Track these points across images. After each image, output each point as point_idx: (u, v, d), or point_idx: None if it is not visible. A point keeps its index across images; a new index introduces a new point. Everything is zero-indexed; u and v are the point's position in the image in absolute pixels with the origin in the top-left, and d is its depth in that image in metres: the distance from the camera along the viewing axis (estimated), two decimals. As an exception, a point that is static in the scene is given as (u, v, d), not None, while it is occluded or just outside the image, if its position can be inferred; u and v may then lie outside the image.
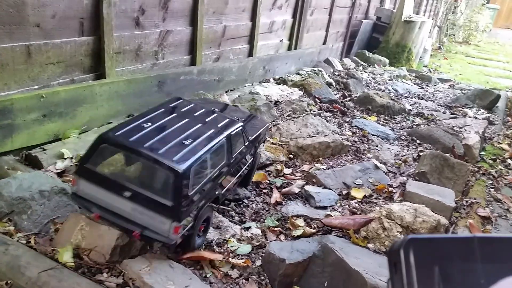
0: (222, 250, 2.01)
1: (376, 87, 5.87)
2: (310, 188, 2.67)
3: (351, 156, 3.34)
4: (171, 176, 1.64)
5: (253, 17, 4.64)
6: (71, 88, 2.68)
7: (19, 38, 2.40)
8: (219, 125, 2.08)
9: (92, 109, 2.84)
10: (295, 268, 1.88)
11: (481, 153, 3.79)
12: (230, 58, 4.50)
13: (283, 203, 2.54)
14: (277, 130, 3.43)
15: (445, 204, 2.52)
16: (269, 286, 1.87)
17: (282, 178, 2.83)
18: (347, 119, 4.17)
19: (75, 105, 2.71)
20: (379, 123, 4.24)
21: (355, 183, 2.84)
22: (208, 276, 1.84)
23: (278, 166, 2.94)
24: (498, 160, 3.73)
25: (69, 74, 2.78)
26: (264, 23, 4.93)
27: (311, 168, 2.99)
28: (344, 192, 2.73)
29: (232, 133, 2.07)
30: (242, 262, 1.94)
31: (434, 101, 5.67)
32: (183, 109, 2.16)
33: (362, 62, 7.29)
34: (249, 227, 2.22)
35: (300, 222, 2.32)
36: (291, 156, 3.15)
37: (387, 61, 7.65)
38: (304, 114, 3.92)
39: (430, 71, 8.66)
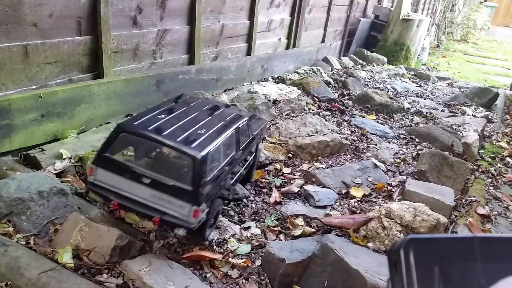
0: (222, 250, 2.00)
1: (375, 86, 5.87)
2: (309, 188, 2.67)
3: (350, 155, 3.34)
4: (190, 162, 1.72)
5: (251, 16, 4.63)
6: (69, 88, 2.67)
7: (16, 38, 2.39)
8: (227, 118, 2.17)
9: (90, 109, 2.83)
10: (295, 267, 1.87)
11: (480, 151, 3.79)
12: (228, 57, 4.49)
13: (283, 202, 2.54)
14: (276, 129, 3.42)
15: (444, 202, 2.52)
16: (269, 286, 1.86)
17: (281, 177, 2.82)
18: (346, 118, 4.17)
19: (73, 105, 2.70)
20: (378, 122, 4.24)
21: (354, 182, 2.84)
22: (208, 276, 1.84)
23: (277, 166, 2.93)
24: (497, 158, 3.73)
25: (67, 73, 2.77)
26: (262, 21, 4.92)
27: (310, 167, 2.99)
28: (343, 191, 2.72)
29: (240, 126, 2.15)
30: (242, 262, 1.93)
31: (432, 100, 5.67)
32: (191, 104, 2.26)
33: (361, 61, 7.29)
34: (249, 227, 2.22)
35: (299, 221, 2.32)
36: (290, 155, 3.14)
37: (385, 59, 7.65)
38: (303, 113, 3.91)
39: (429, 69, 8.67)
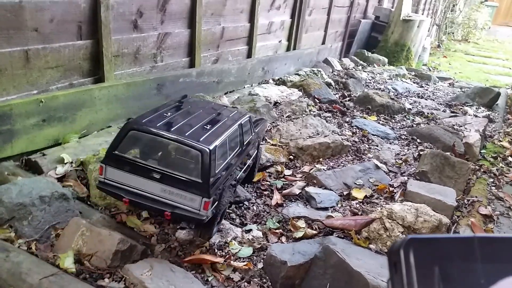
0: (223, 253, 2.00)
1: (376, 87, 5.87)
2: (310, 189, 2.66)
3: (352, 156, 3.33)
4: (199, 155, 1.78)
5: (251, 18, 4.64)
6: (70, 92, 2.68)
7: (17, 43, 2.40)
8: (230, 115, 2.25)
9: (91, 113, 2.84)
10: (296, 270, 1.87)
11: (481, 151, 3.78)
12: (229, 59, 4.50)
13: (284, 204, 2.53)
14: (277, 131, 3.42)
15: (446, 203, 2.52)
16: (271, 288, 1.86)
17: (282, 179, 2.82)
18: (347, 119, 4.16)
19: (74, 109, 2.71)
20: (379, 123, 4.24)
21: (355, 184, 2.84)
22: (209, 279, 1.84)
23: (279, 168, 2.93)
24: (499, 158, 3.72)
25: (68, 78, 2.78)
26: (263, 24, 4.92)
27: (311, 169, 2.98)
28: (345, 193, 2.72)
29: (242, 122, 2.24)
30: (244, 265, 1.93)
31: (434, 100, 5.66)
32: (194, 104, 2.33)
33: (361, 62, 7.29)
34: (250, 230, 2.22)
35: (301, 223, 2.31)
36: (291, 157, 3.14)
37: (386, 60, 7.65)
38: (303, 115, 3.91)
39: (430, 70, 8.66)
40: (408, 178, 2.98)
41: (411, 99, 5.50)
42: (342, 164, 3.16)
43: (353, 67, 6.95)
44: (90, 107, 2.82)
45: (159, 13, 3.36)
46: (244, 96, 4.14)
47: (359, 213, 2.47)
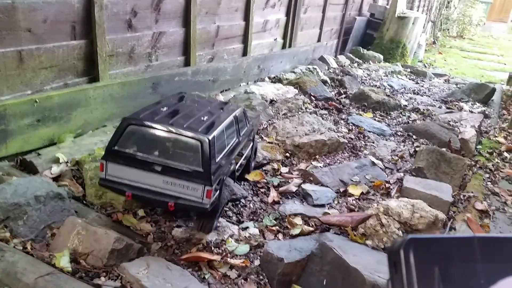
0: (220, 251, 2.00)
1: (372, 84, 5.88)
2: (307, 186, 2.67)
3: (348, 153, 3.34)
4: (199, 145, 1.82)
5: (246, 17, 4.63)
6: (64, 92, 2.67)
7: (10, 44, 2.39)
8: (225, 108, 2.29)
9: (86, 113, 2.83)
10: (293, 267, 1.87)
11: (477, 147, 3.79)
12: (225, 58, 4.49)
13: (281, 202, 2.53)
14: (273, 129, 3.42)
15: (442, 199, 2.52)
16: (268, 285, 1.86)
17: (279, 177, 2.82)
18: (343, 116, 4.17)
19: (69, 109, 2.70)
20: (375, 120, 4.24)
21: (352, 180, 2.84)
22: (206, 277, 1.84)
23: (275, 165, 2.93)
24: (494, 153, 3.74)
25: (62, 78, 2.77)
26: (258, 22, 4.92)
27: (308, 166, 2.99)
28: (341, 190, 2.72)
29: (237, 114, 2.27)
30: (241, 262, 1.93)
31: (429, 96, 5.68)
32: (189, 99, 2.38)
33: (357, 59, 7.29)
34: (247, 227, 2.22)
35: (298, 220, 2.32)
36: (287, 154, 3.14)
37: (381, 57, 7.66)
38: (299, 113, 3.91)
39: (425, 66, 8.68)
40: (404, 174, 2.98)
41: (406, 96, 5.51)
42: (338, 161, 3.16)
43: (349, 65, 6.96)
44: (85, 106, 2.81)
45: (153, 12, 3.35)
46: (240, 95, 4.14)
47: (356, 209, 2.48)
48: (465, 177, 3.11)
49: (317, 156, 3.18)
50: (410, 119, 4.48)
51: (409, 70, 7.28)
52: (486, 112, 4.97)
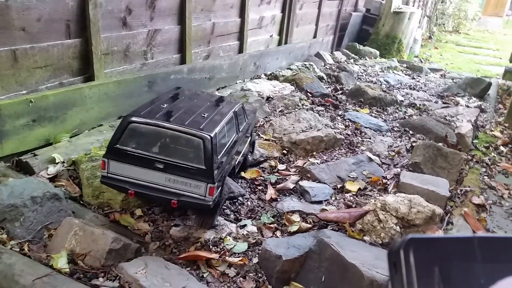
0: (218, 249, 2.00)
1: (368, 79, 5.88)
2: (304, 183, 2.66)
3: (345, 149, 3.34)
4: (201, 143, 1.83)
5: (242, 13, 4.62)
6: (60, 91, 2.65)
7: (4, 43, 2.37)
8: (224, 103, 2.32)
9: (82, 112, 2.81)
10: (292, 264, 1.87)
11: (474, 141, 3.80)
12: (220, 55, 4.48)
13: (278, 199, 2.53)
14: (270, 126, 3.42)
15: (439, 193, 2.53)
16: (266, 283, 1.86)
17: (276, 174, 2.82)
18: (340, 112, 4.17)
19: (64, 108, 2.68)
20: (371, 115, 4.24)
21: (349, 176, 2.84)
22: (205, 276, 1.84)
23: (272, 162, 2.93)
24: (491, 147, 3.75)
25: (57, 77, 2.75)
26: (253, 18, 4.90)
27: (305, 163, 2.99)
28: (338, 186, 2.73)
29: (236, 109, 2.30)
30: (239, 260, 1.93)
31: (425, 91, 5.68)
32: (188, 94, 2.37)
33: (353, 55, 7.29)
34: (245, 225, 2.22)
35: (295, 217, 2.32)
36: (284, 152, 3.14)
37: (377, 53, 7.66)
38: (296, 109, 3.91)
39: (421, 61, 8.68)
40: (401, 170, 2.99)
41: (403, 91, 5.51)
42: (335, 158, 3.16)
43: (345, 60, 6.95)
44: (81, 106, 2.80)
45: (148, 9, 3.33)
46: (237, 92, 4.13)
47: (353, 205, 2.48)
48: (462, 171, 3.11)
49: (314, 153, 3.18)
50: (406, 114, 4.48)
51: (405, 65, 7.29)
52: (482, 107, 4.99)
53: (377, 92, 4.69)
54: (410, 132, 3.87)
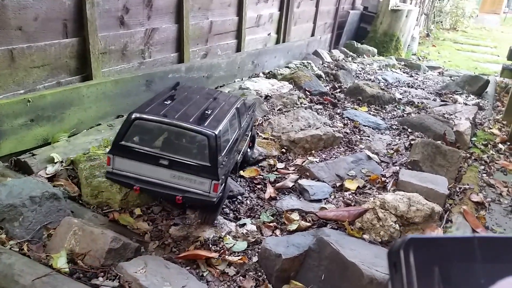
0: (217, 248, 2.00)
1: (366, 78, 5.88)
2: (303, 182, 2.66)
3: (344, 147, 3.34)
4: (206, 140, 1.85)
5: (239, 12, 4.61)
6: (57, 91, 2.64)
7: (1, 42, 2.36)
8: (226, 100, 2.33)
9: (80, 112, 2.81)
10: (291, 262, 1.87)
11: (472, 139, 3.81)
12: (218, 54, 4.47)
13: (278, 198, 2.53)
14: (268, 124, 3.41)
15: (438, 191, 2.53)
16: (266, 282, 1.86)
17: (275, 173, 2.82)
18: (338, 110, 4.17)
19: (62, 108, 2.67)
20: (370, 114, 4.25)
21: (348, 175, 2.84)
22: (204, 275, 1.83)
23: (271, 161, 2.93)
24: (489, 145, 3.75)
25: (55, 77, 2.74)
26: (251, 17, 4.90)
27: (304, 161, 2.99)
28: (337, 184, 2.73)
29: (238, 105, 2.33)
30: (239, 259, 1.93)
31: (424, 89, 5.69)
32: (189, 90, 2.39)
33: (351, 53, 7.29)
34: (244, 224, 2.21)
35: (295, 216, 2.32)
36: (283, 150, 3.14)
37: (375, 50, 7.66)
38: (295, 108, 3.91)
39: (419, 59, 8.69)
40: (400, 168, 2.99)
41: (401, 89, 5.51)
42: (334, 156, 3.16)
43: (343, 59, 6.95)
44: (79, 105, 2.79)
45: (145, 8, 3.32)
46: (235, 90, 4.12)
47: (352, 204, 2.48)
48: (461, 169, 3.12)
49: (313, 151, 3.17)
50: (405, 112, 4.49)
51: (403, 63, 7.29)
52: (481, 104, 4.99)
53: (375, 90, 4.69)
54: (409, 130, 3.87)
